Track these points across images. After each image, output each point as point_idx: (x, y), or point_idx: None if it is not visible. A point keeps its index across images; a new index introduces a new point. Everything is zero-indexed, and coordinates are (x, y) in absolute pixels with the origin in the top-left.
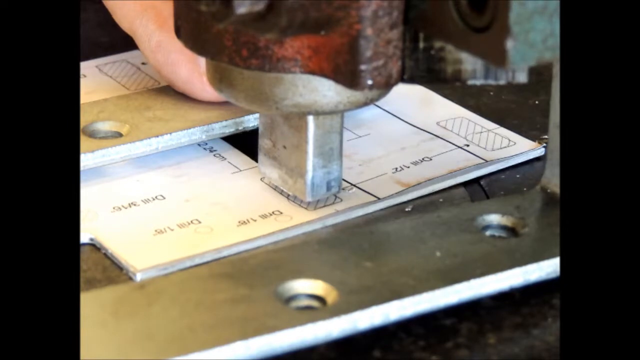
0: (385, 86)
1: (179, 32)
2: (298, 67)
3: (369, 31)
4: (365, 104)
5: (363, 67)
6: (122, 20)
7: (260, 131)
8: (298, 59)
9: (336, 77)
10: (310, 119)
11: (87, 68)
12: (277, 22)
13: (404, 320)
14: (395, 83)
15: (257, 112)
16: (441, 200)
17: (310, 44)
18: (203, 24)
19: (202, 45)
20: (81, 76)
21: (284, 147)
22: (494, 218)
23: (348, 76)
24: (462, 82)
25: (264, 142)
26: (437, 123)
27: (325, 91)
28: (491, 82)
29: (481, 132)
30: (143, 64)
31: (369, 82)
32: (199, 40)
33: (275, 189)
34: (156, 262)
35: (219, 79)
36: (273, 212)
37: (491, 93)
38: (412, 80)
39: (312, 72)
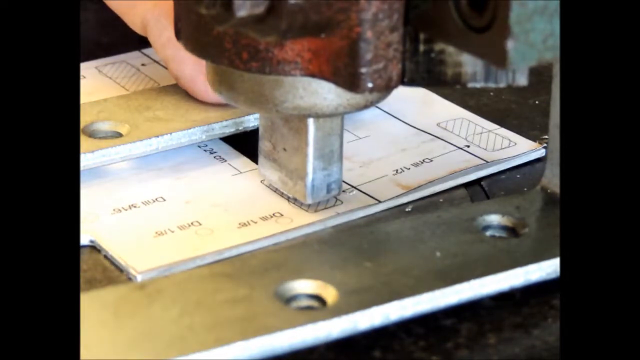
0: (386, 89)
1: (179, 34)
2: (298, 70)
3: (369, 34)
4: (366, 106)
5: (363, 69)
6: (135, 19)
7: (260, 133)
8: (298, 61)
9: (336, 80)
10: (311, 121)
11: (87, 69)
12: (278, 25)
13: (404, 320)
14: (396, 86)
15: (257, 113)
16: (441, 200)
17: (310, 46)
18: (203, 27)
19: (203, 48)
20: (81, 77)
21: (284, 149)
22: (494, 218)
23: (348, 79)
24: (463, 85)
25: (263, 145)
26: (438, 124)
27: (326, 94)
28: (491, 84)
29: (481, 132)
30: (143, 65)
31: (369, 84)
32: (199, 43)
33: (275, 191)
34: (157, 264)
35: (219, 81)
36: (274, 214)
37: (491, 93)
38: (412, 82)
39: (312, 75)
